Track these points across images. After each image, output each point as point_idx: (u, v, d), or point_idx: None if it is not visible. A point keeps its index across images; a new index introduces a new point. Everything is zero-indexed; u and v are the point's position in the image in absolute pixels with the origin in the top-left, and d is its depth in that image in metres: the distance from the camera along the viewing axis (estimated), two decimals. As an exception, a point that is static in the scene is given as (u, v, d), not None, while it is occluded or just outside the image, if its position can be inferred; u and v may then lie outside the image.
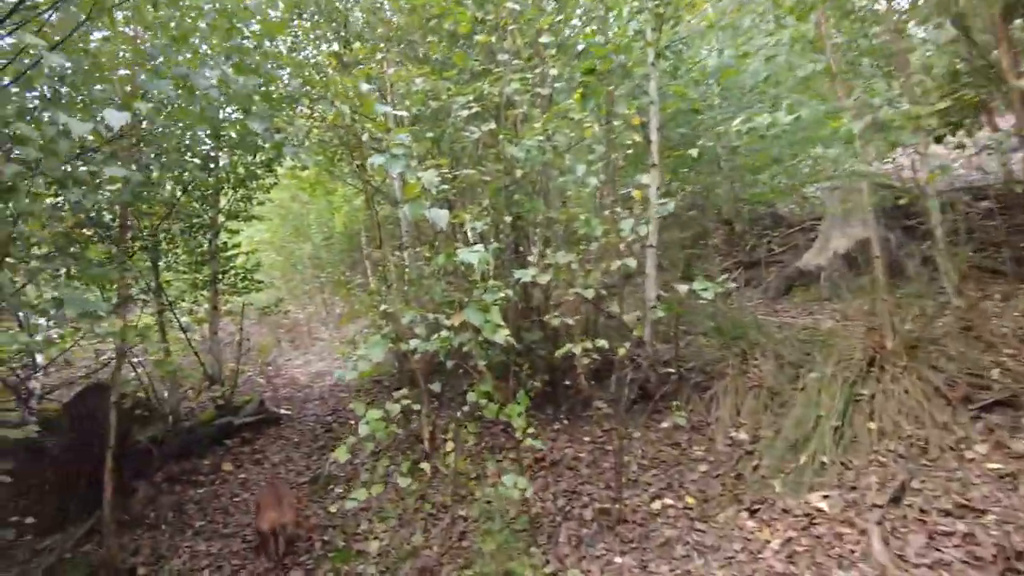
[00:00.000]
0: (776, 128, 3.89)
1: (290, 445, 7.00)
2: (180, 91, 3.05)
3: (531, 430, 3.73)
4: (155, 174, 4.30)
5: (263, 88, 3.88)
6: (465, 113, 3.85)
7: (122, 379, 7.94)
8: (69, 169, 2.55)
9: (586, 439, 5.31)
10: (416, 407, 3.43)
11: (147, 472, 6.25)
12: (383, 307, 3.39)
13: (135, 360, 7.48)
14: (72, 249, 3.95)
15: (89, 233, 5.15)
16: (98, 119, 2.17)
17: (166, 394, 7.55)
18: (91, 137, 3.07)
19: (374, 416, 3.06)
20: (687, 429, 5.00)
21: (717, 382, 5.27)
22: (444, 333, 2.96)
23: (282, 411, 8.17)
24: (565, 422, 5.74)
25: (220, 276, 7.76)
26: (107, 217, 5.05)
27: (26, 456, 6.69)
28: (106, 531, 4.68)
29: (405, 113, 3.48)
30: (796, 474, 3.96)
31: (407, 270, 8.27)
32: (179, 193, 7.34)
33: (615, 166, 4.67)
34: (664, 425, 5.13)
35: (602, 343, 3.33)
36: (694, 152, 3.43)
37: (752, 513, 3.77)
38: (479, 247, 2.89)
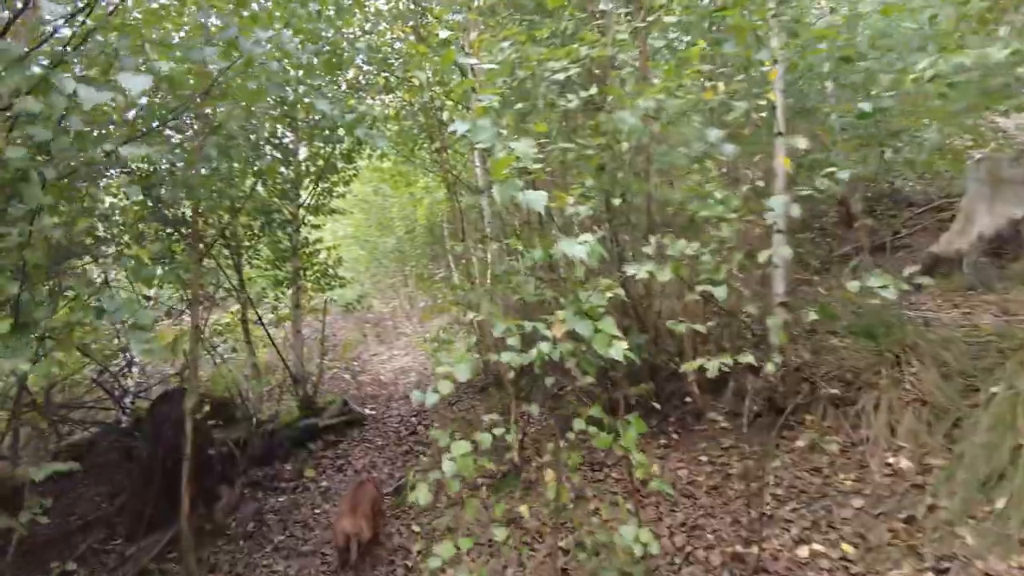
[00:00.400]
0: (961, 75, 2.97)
1: (374, 449, 6.65)
2: (233, 61, 2.61)
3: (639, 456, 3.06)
4: (220, 165, 3.92)
5: (327, 53, 3.40)
6: (560, 77, 3.19)
7: (202, 381, 7.94)
8: (85, 154, 2.14)
9: (702, 459, 4.55)
10: (506, 432, 2.79)
11: (231, 476, 6.07)
12: (470, 316, 2.76)
13: (220, 359, 7.41)
14: (123, 250, 3.65)
15: (157, 231, 4.93)
16: (117, 85, 1.70)
17: (250, 394, 7.43)
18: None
19: (461, 451, 2.48)
20: (829, 450, 4.14)
21: (863, 394, 4.35)
22: (543, 346, 2.33)
23: (367, 411, 7.88)
24: (674, 437, 5.00)
25: (302, 273, 7.53)
26: (181, 212, 4.78)
27: (118, 457, 6.72)
28: (185, 546, 4.43)
29: (493, 65, 2.85)
30: (996, 523, 3.06)
31: (492, 265, 7.74)
32: (259, 187, 7.17)
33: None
34: (799, 444, 4.29)
35: (748, 359, 2.59)
36: (866, 106, 2.58)
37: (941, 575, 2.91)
38: (586, 237, 2.23)
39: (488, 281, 6.50)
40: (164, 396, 5.91)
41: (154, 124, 3.17)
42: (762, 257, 2.76)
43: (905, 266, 7.26)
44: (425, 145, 7.70)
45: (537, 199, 2.15)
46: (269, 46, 2.51)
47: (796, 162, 4.65)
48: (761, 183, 3.84)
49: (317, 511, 5.24)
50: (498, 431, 2.67)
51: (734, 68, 3.75)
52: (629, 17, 4.13)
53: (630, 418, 2.88)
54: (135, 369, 8.12)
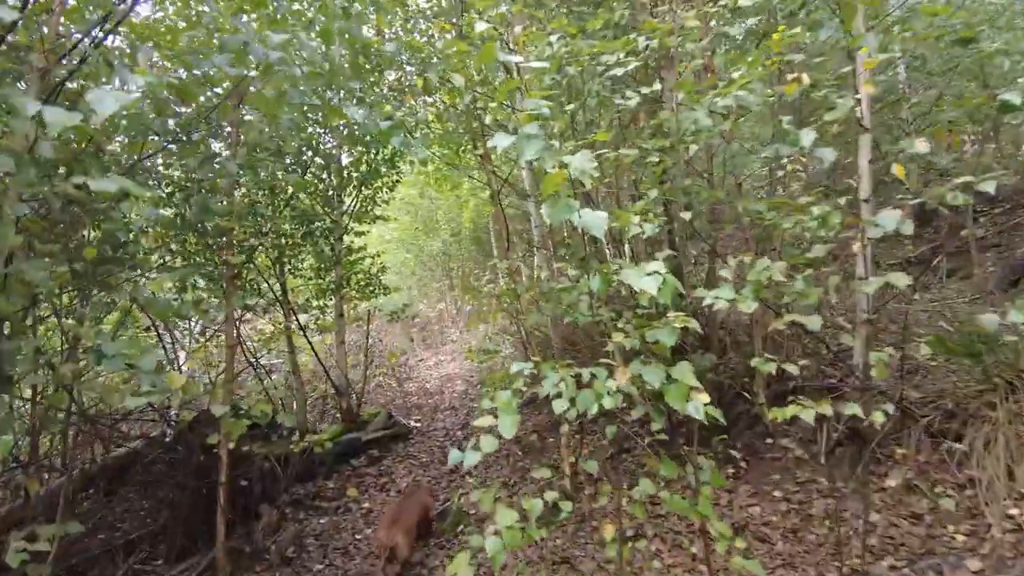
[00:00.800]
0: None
1: (419, 466, 6.38)
2: (247, 71, 2.34)
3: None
4: (245, 179, 3.69)
5: (356, 53, 3.10)
6: (617, 72, 2.79)
7: (244, 394, 7.85)
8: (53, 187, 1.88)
9: (776, 494, 4.07)
10: (559, 501, 2.42)
11: (272, 494, 5.91)
12: (520, 369, 2.39)
13: (263, 370, 7.29)
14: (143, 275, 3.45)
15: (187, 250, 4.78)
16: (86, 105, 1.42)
17: (294, 407, 7.29)
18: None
19: (507, 521, 2.12)
20: (928, 490, 3.60)
21: (971, 428, 3.78)
22: (606, 401, 1.95)
23: (412, 423, 7.64)
24: (742, 465, 4.53)
25: (345, 282, 7.34)
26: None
27: (165, 469, 6.63)
28: (221, 574, 4.25)
29: (541, 63, 2.47)
30: None
31: (538, 272, 7.37)
32: (301, 195, 7.02)
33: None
34: (890, 484, 3.77)
35: (854, 409, 2.13)
36: (1014, 97, 2.08)
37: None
38: (655, 266, 1.84)
39: (535, 291, 6.13)
40: (198, 418, 5.77)
41: (166, 141, 2.95)
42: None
43: (989, 269, 6.47)
44: (469, 148, 7.38)
45: (596, 222, 1.77)
46: (283, 52, 2.22)
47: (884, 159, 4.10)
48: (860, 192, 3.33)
49: (358, 536, 4.99)
50: (551, 495, 2.28)
51: (809, 55, 3.24)
52: (691, 3, 3.69)
53: (705, 470, 2.46)
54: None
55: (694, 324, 1.99)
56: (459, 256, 13.96)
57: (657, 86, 2.85)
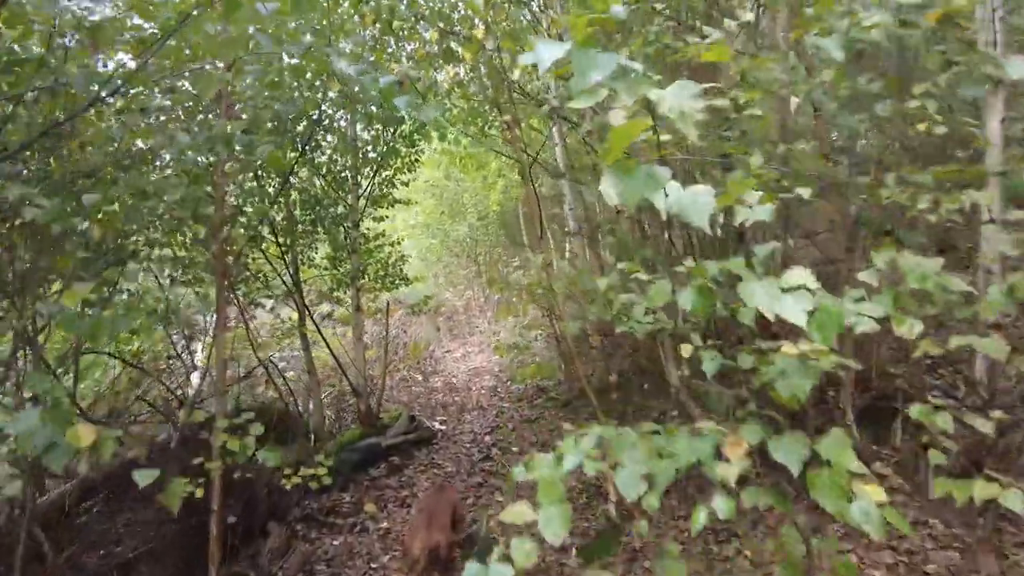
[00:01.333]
0: None
1: (443, 477, 5.77)
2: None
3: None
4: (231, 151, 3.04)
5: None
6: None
7: (256, 394, 7.33)
8: None
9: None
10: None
11: (283, 508, 5.37)
12: (575, 438, 1.65)
13: (275, 369, 6.75)
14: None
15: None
16: None
17: (310, 407, 6.74)
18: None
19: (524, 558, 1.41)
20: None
21: None
22: (718, 468, 1.24)
23: (436, 425, 7.03)
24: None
25: (363, 272, 6.72)
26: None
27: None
28: (215, 617, 3.69)
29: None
30: None
31: (574, 261, 6.64)
32: (317, 181, 6.41)
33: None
34: (1028, 530, 2.98)
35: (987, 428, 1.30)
36: None
37: None
38: (797, 278, 1.11)
39: (572, 284, 5.42)
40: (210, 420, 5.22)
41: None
42: None
43: None
44: (495, 123, 6.65)
45: (697, 203, 1.05)
46: None
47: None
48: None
49: (374, 566, 4.39)
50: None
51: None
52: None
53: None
54: (195, 377, 7.65)
55: (852, 363, 1.25)
56: (486, 241, 13.26)
57: (748, 15, 2.10)
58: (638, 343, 6.47)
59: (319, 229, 6.25)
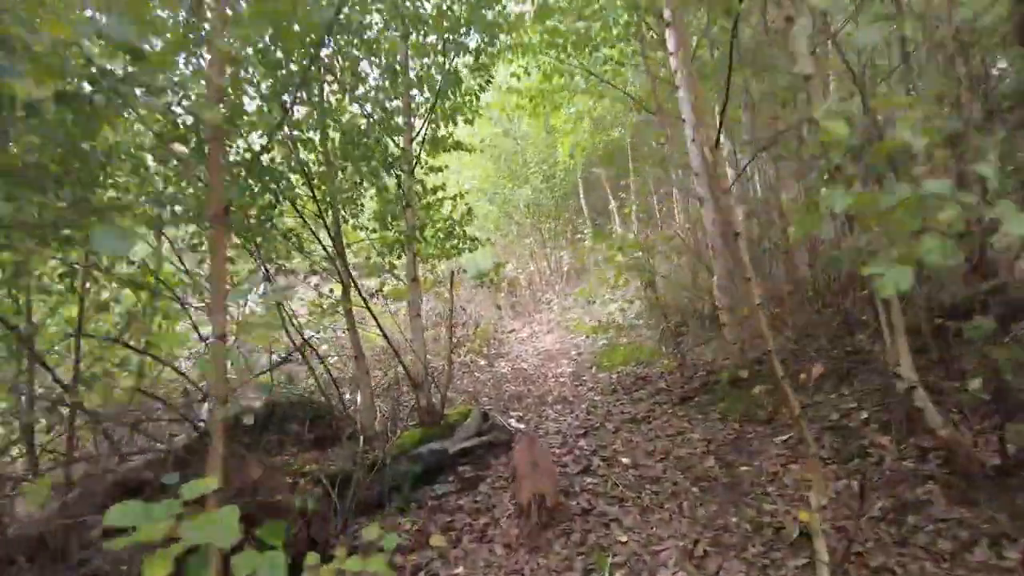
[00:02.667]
0: None
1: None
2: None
3: None
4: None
5: None
6: None
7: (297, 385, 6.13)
8: None
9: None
10: None
11: (323, 535, 4.13)
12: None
13: (317, 356, 5.52)
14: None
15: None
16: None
17: (358, 400, 5.50)
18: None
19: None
20: None
21: None
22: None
23: (512, 423, 5.70)
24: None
25: (419, 233, 5.38)
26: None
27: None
28: None
29: None
30: None
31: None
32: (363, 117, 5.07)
33: None
34: None
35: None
36: None
37: None
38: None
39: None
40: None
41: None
42: None
43: None
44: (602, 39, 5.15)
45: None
46: None
47: None
48: None
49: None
50: None
51: None
52: None
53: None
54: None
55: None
56: (552, 206, 11.78)
57: None
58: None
59: (364, 177, 4.91)
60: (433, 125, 5.46)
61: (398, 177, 4.92)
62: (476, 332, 7.42)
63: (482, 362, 8.53)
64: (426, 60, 5.33)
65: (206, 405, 5.79)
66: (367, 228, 5.58)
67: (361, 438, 5.34)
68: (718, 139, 2.54)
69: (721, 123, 2.55)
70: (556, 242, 12.16)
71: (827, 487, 2.96)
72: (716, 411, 4.83)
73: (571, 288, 11.22)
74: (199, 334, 5.73)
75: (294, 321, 5.42)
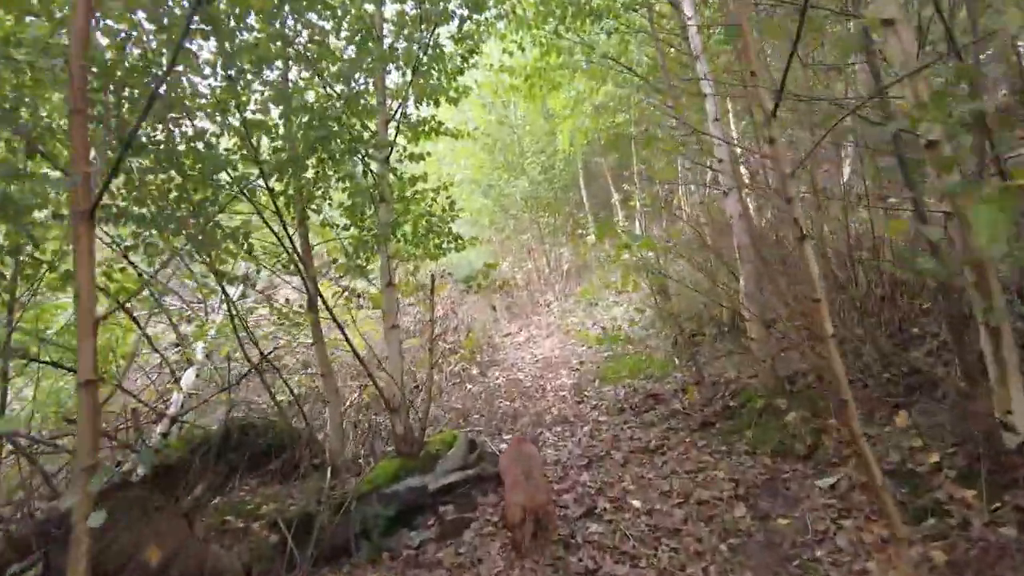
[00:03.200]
0: None
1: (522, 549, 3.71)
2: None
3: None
4: None
5: None
6: None
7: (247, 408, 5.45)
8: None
9: None
10: None
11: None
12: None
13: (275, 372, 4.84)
14: None
15: None
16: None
17: (327, 434, 4.81)
18: None
19: None
20: None
21: None
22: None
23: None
24: None
25: (395, 229, 4.67)
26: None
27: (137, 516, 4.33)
28: None
29: None
30: None
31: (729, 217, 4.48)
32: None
33: None
34: None
35: None
36: None
37: None
38: None
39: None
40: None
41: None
42: None
43: None
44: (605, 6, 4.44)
45: None
46: None
47: None
48: None
49: None
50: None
51: None
52: None
53: None
54: (187, 375, 5.83)
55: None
56: (551, 199, 11.04)
57: None
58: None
59: (323, 164, 4.20)
60: (411, 105, 4.74)
61: (366, 165, 4.19)
62: (466, 342, 6.71)
63: (474, 370, 7.83)
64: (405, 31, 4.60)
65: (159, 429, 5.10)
66: (336, 225, 4.87)
67: (329, 469, 4.66)
68: (773, 116, 1.82)
69: (776, 107, 1.83)
70: (555, 238, 11.42)
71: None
72: (743, 441, 4.13)
73: (572, 288, 10.49)
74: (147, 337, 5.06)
75: (249, 333, 4.73)
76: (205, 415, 6.02)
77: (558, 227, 11.37)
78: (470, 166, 11.10)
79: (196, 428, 5.21)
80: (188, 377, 6.13)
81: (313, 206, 4.64)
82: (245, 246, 4.07)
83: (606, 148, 11.83)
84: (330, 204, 4.87)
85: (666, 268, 5.48)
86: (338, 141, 4.10)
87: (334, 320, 4.22)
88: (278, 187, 4.23)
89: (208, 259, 4.05)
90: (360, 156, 4.17)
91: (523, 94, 6.98)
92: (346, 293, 5.34)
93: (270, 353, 4.87)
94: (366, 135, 4.28)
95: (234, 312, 4.65)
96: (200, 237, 3.70)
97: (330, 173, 4.35)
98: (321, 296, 4.36)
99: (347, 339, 4.30)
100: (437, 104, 5.06)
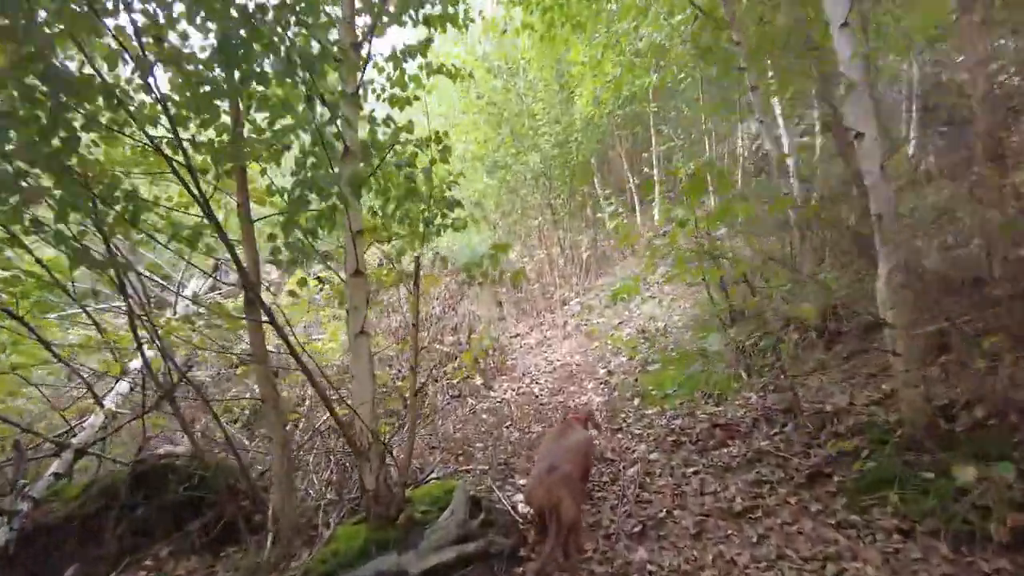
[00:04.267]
0: None
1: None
2: None
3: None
4: None
5: None
6: None
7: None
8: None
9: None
10: None
11: None
12: None
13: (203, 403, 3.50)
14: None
15: None
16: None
17: (274, 493, 3.47)
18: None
19: None
20: None
21: None
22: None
23: (520, 507, 3.60)
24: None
25: (368, 202, 3.32)
26: None
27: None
28: None
29: None
30: None
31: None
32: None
33: None
34: None
35: None
36: None
37: None
38: None
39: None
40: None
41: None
42: None
43: None
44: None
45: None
46: None
47: None
48: None
49: None
50: None
51: None
52: None
53: None
54: (97, 415, 4.54)
55: None
56: (568, 178, 9.65)
57: None
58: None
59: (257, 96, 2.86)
60: (387, 20, 3.38)
61: (315, 91, 2.82)
62: (466, 354, 5.37)
63: (478, 380, 6.47)
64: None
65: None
66: (284, 191, 3.50)
67: (270, 536, 3.34)
68: None
69: None
70: (572, 223, 10.03)
71: None
72: (887, 508, 2.75)
73: (591, 281, 9.12)
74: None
75: (159, 340, 3.39)
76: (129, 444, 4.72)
77: (574, 211, 10.00)
78: (471, 141, 9.72)
79: (118, 462, 3.90)
80: (119, 393, 4.82)
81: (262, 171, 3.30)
82: (131, 208, 2.71)
83: (625, 123, 10.45)
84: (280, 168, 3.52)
85: (729, 252, 4.13)
86: (272, 57, 2.74)
87: (270, 319, 2.88)
88: (193, 131, 2.91)
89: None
90: (302, 79, 2.80)
91: (539, 33, 5.59)
92: (320, 283, 3.99)
93: (188, 371, 3.52)
94: (317, 49, 2.91)
95: (140, 313, 3.33)
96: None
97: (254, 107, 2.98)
98: (258, 294, 3.01)
99: (294, 354, 2.95)
100: (429, 25, 3.72)
